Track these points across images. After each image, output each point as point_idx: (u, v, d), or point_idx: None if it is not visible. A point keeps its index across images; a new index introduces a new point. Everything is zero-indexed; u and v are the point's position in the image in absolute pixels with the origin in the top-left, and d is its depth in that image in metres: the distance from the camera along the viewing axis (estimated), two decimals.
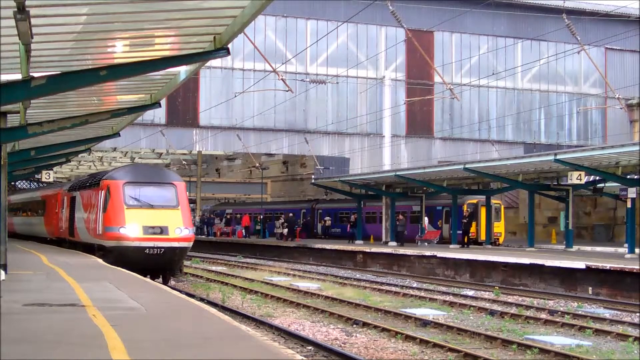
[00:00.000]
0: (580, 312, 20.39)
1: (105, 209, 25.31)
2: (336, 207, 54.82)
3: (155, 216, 24.68)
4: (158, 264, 24.56)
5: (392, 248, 38.85)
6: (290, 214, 51.64)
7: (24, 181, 78.43)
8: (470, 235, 41.28)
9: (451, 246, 38.77)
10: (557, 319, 18.94)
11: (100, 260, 24.86)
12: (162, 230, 24.33)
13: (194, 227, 26.50)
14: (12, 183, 71.84)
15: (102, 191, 25.89)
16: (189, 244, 25.34)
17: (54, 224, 35.83)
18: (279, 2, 44.14)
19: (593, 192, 40.09)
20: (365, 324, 17.85)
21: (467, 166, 35.48)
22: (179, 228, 24.55)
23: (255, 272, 33.38)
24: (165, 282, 24.92)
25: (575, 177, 31.68)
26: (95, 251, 26.67)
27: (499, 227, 44.50)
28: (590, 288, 25.80)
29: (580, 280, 26.32)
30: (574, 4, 51.98)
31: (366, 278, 31.17)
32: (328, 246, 42.53)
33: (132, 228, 24.34)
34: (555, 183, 37.07)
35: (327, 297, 23.42)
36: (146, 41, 13.80)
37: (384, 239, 44.88)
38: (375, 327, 17.39)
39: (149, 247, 24.13)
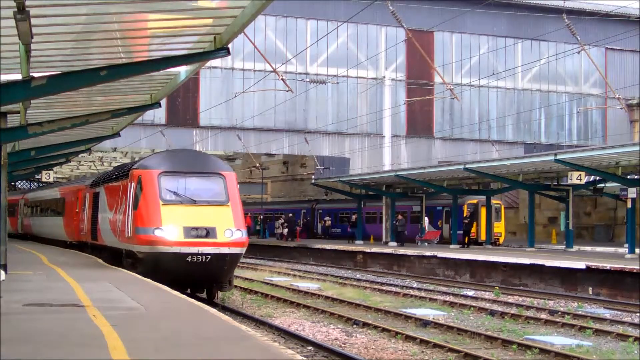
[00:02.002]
0: (580, 312, 20.39)
1: (136, 206, 20.35)
2: (336, 207, 54.83)
3: (199, 215, 19.71)
4: (203, 274, 19.61)
5: (392, 248, 38.84)
6: (290, 214, 51.65)
7: (28, 180, 78.14)
8: (470, 235, 41.30)
9: (451, 246, 38.77)
10: (558, 319, 18.94)
11: (100, 261, 24.66)
12: (209, 232, 19.40)
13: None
14: (12, 183, 71.79)
15: (132, 184, 20.97)
16: (242, 250, 20.10)
17: (74, 225, 31.39)
18: (279, 2, 44.12)
19: (593, 192, 40.10)
20: (365, 324, 17.85)
21: (467, 166, 35.48)
22: (229, 229, 19.57)
23: (255, 272, 33.38)
24: (210, 298, 20.51)
25: (576, 177, 31.69)
26: (123, 258, 22.09)
27: (499, 227, 44.50)
28: (590, 288, 25.80)
29: (580, 280, 26.32)
30: (574, 4, 52.00)
31: (366, 278, 31.17)
32: (328, 246, 42.53)
33: (170, 230, 19.33)
34: (556, 183, 37.09)
35: (327, 297, 23.41)
36: (146, 41, 13.81)
37: (384, 239, 44.89)
38: (376, 327, 17.39)
39: (192, 254, 19.18)
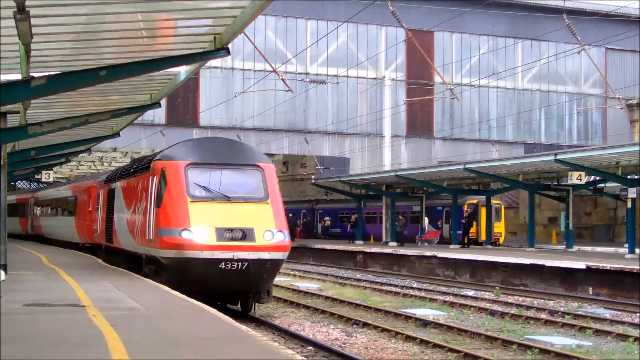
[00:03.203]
0: (580, 313, 20.39)
1: (160, 203, 17.54)
2: (336, 207, 54.84)
3: (234, 213, 17.05)
4: (238, 284, 16.90)
5: (392, 248, 38.84)
6: (290, 214, 51.58)
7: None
8: (470, 235, 41.33)
9: (451, 246, 38.78)
10: (558, 319, 18.94)
11: (100, 261, 24.56)
12: (245, 234, 16.74)
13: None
14: (12, 183, 71.76)
15: (154, 178, 18.16)
16: (284, 255, 17.39)
17: (87, 225, 28.67)
18: (279, 2, 44.14)
19: (593, 192, 40.10)
20: (365, 324, 17.85)
21: (467, 166, 35.49)
22: (269, 231, 16.94)
23: None
24: (246, 310, 18.04)
25: (576, 177, 31.70)
26: (144, 264, 19.35)
27: (499, 228, 44.52)
28: (590, 288, 25.80)
29: (580, 280, 26.32)
30: (574, 4, 52.02)
31: (366, 278, 31.17)
32: (328, 246, 42.53)
33: (200, 231, 16.67)
34: (556, 183, 37.11)
35: (327, 297, 23.41)
36: (146, 41, 13.80)
37: (384, 239, 44.89)
38: (376, 327, 17.39)
39: (226, 260, 16.51)
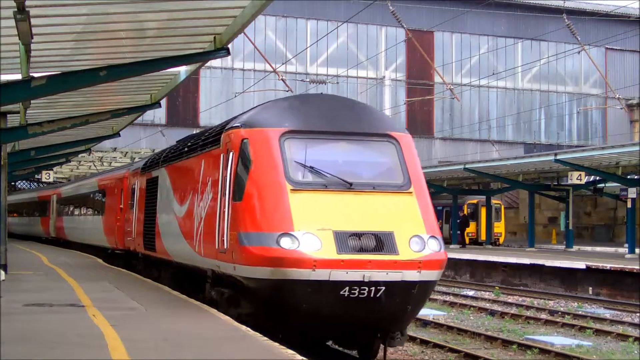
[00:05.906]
0: (580, 312, 20.41)
1: (240, 194, 11.30)
2: None
3: (361, 210, 11.03)
4: (368, 319, 10.89)
5: None
6: None
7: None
8: (470, 235, 41.40)
9: (451, 246, 38.79)
10: (558, 319, 18.96)
11: (100, 260, 24.49)
12: (382, 242, 10.70)
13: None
14: (12, 183, 71.75)
15: (229, 155, 11.88)
16: (439, 275, 11.20)
17: (118, 227, 22.33)
18: (279, 2, 44.18)
19: (593, 192, 40.15)
20: None
21: (467, 166, 35.50)
22: (417, 237, 10.94)
23: None
24: (370, 356, 11.70)
25: (576, 177, 31.72)
26: (210, 285, 13.13)
27: (499, 227, 44.53)
28: (590, 288, 25.81)
29: (580, 280, 26.34)
30: (574, 4, 52.07)
31: None
32: None
33: (310, 238, 10.55)
34: (556, 183, 37.15)
35: None
36: (146, 41, 13.79)
37: None
38: None
39: (352, 283, 10.48)
